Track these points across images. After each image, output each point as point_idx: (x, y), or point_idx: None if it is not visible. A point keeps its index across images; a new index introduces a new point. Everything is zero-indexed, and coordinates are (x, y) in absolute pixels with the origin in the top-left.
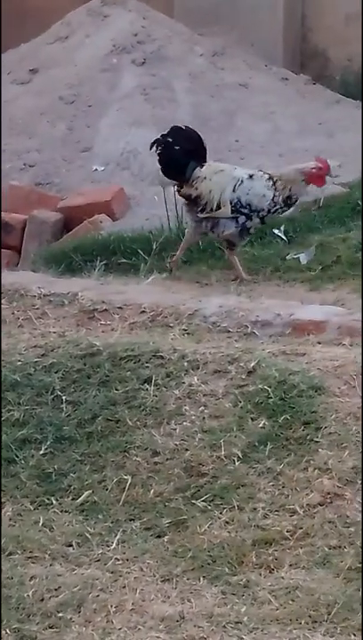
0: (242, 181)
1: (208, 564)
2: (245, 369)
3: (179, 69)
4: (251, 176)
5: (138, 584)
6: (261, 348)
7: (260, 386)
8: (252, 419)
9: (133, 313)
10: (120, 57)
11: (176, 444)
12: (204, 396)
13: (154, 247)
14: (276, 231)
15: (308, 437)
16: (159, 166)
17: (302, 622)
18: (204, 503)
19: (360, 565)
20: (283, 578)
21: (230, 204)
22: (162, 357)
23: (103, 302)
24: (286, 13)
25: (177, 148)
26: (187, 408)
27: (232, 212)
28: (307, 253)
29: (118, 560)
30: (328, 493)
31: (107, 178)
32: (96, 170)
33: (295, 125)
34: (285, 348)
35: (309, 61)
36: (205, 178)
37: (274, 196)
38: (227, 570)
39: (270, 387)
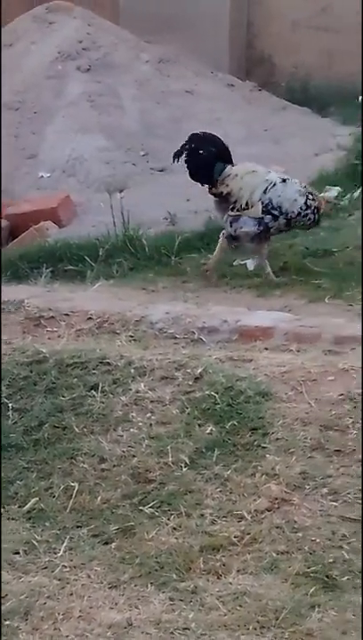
0: (275, 184)
1: (156, 570)
2: (192, 375)
3: (125, 76)
4: (284, 180)
5: (85, 591)
6: (208, 355)
7: (207, 392)
8: (199, 425)
9: (79, 320)
10: (66, 64)
11: (123, 451)
12: (151, 402)
13: (100, 254)
14: None
15: (255, 443)
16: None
17: (250, 628)
18: (151, 509)
19: (308, 570)
20: (231, 583)
21: (262, 204)
22: (109, 364)
23: (50, 309)
24: (232, 21)
25: (201, 152)
26: (134, 415)
27: (263, 212)
28: (254, 260)
29: (66, 567)
30: (276, 499)
31: (53, 185)
32: (42, 177)
33: (242, 131)
34: (232, 354)
35: (255, 68)
36: (236, 176)
37: (306, 201)
38: (175, 576)
39: (217, 393)
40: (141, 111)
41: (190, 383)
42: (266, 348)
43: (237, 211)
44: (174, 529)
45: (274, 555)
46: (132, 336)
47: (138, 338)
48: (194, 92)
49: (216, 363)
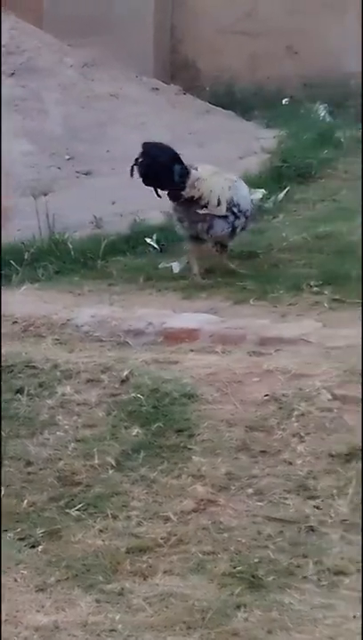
0: (233, 182)
1: (82, 572)
2: (118, 378)
3: (49, 80)
4: (237, 178)
5: (12, 594)
6: (133, 357)
7: (133, 394)
8: (125, 427)
9: (5, 323)
10: None
11: (50, 454)
12: (77, 405)
13: (26, 257)
14: (148, 240)
15: (181, 445)
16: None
17: (177, 629)
18: (78, 512)
19: (234, 570)
20: (157, 585)
21: (226, 202)
22: (35, 367)
23: None
24: (156, 24)
25: (157, 157)
26: (60, 418)
27: (226, 209)
28: (179, 262)
29: None
30: (202, 500)
31: None
32: None
33: (167, 135)
34: (157, 356)
35: (179, 72)
36: (205, 179)
37: (252, 199)
38: (101, 578)
39: (143, 395)
40: (66, 115)
41: (116, 386)
42: (191, 350)
43: (207, 210)
44: (101, 531)
45: (200, 555)
46: (57, 339)
47: (64, 341)
48: (118, 96)
49: (142, 365)
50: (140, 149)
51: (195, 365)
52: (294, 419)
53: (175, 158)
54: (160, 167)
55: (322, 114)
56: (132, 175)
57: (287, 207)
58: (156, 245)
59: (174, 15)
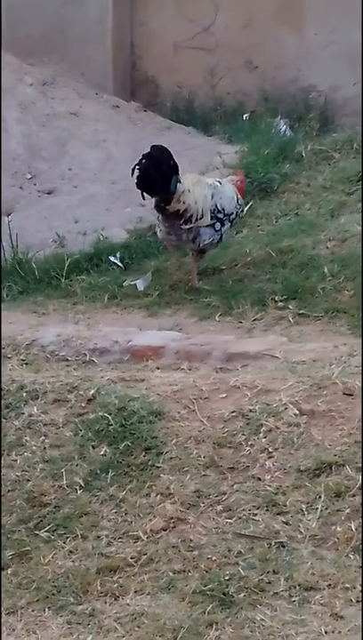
0: (216, 187)
1: (53, 594)
2: (84, 397)
3: (9, 99)
4: (219, 182)
5: None
6: (100, 376)
7: (100, 413)
8: (93, 447)
9: None
10: None
11: (18, 475)
12: (44, 425)
13: None
14: (112, 258)
15: (149, 463)
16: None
17: None
18: (47, 533)
19: (205, 588)
20: (128, 605)
21: (210, 211)
22: (0, 389)
23: None
24: (115, 42)
25: (157, 165)
26: (27, 438)
27: (211, 218)
28: (143, 279)
29: None
30: (171, 518)
31: None
32: None
33: (128, 152)
34: (124, 374)
35: (139, 89)
36: (189, 191)
37: (237, 198)
38: (72, 599)
39: (110, 414)
40: (26, 134)
41: (83, 405)
42: (158, 368)
43: (192, 224)
44: (71, 552)
45: (171, 574)
46: (23, 360)
47: (29, 361)
48: (79, 114)
49: (108, 384)
50: (101, 167)
51: (161, 383)
52: (261, 434)
53: (174, 167)
54: (158, 176)
55: (283, 128)
56: (132, 175)
57: (250, 222)
58: (119, 263)
59: (133, 32)
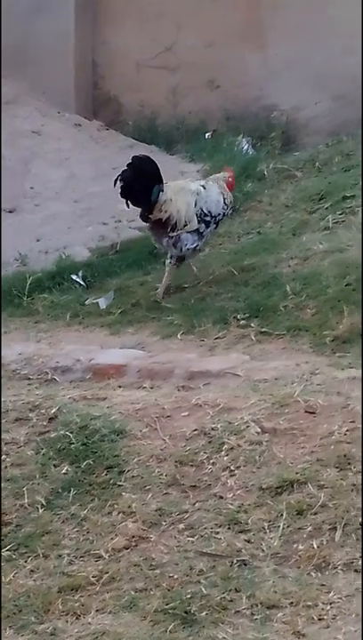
0: (199, 193)
1: (14, 613)
2: (46, 416)
3: None
4: (204, 186)
5: None
6: (62, 394)
7: (62, 432)
8: (55, 465)
9: None
10: None
11: None
12: (5, 444)
13: None
14: (74, 277)
15: (111, 481)
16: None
17: None
18: (8, 552)
19: (167, 607)
20: (90, 623)
21: (196, 216)
22: None
23: None
24: (77, 61)
25: (139, 175)
26: None
27: (198, 222)
28: (106, 298)
29: None
30: (133, 537)
31: None
32: None
33: (90, 171)
34: (86, 392)
35: (102, 107)
36: (171, 200)
37: (224, 199)
38: (33, 618)
39: (71, 432)
40: None
41: (45, 424)
42: (120, 386)
43: (178, 231)
44: (32, 571)
45: (132, 593)
46: None
47: None
48: (41, 133)
49: (70, 402)
50: (64, 186)
51: (123, 401)
52: (223, 452)
53: (156, 177)
54: (139, 186)
55: (245, 147)
56: (115, 186)
57: (213, 240)
58: (82, 282)
59: (96, 51)
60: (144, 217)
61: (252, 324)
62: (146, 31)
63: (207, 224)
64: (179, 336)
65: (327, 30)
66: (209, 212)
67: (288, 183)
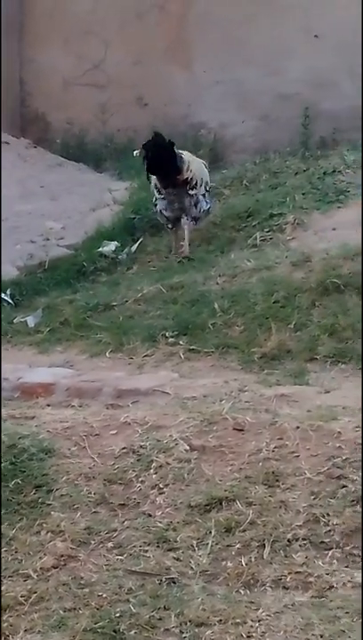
0: (204, 164)
1: None
2: None
3: None
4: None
5: None
6: None
7: None
8: None
9: None
10: None
11: None
12: None
13: None
14: (2, 295)
15: (40, 501)
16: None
17: None
18: None
19: (96, 626)
20: None
21: (205, 183)
22: None
23: None
24: (4, 79)
25: (164, 149)
26: None
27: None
28: (34, 316)
29: None
30: (62, 556)
31: None
32: None
33: (17, 189)
34: (14, 411)
35: (29, 125)
36: (190, 162)
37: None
38: None
39: None
40: None
41: None
42: (48, 405)
43: (196, 189)
44: None
45: (61, 612)
46: None
47: None
48: None
49: None
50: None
51: (52, 420)
52: (152, 470)
53: (173, 145)
54: (167, 155)
55: None
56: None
57: (141, 258)
58: (10, 300)
59: (22, 69)
60: (169, 181)
61: (180, 342)
62: (73, 49)
63: (208, 192)
64: (107, 354)
65: (253, 49)
66: (207, 180)
67: (216, 201)
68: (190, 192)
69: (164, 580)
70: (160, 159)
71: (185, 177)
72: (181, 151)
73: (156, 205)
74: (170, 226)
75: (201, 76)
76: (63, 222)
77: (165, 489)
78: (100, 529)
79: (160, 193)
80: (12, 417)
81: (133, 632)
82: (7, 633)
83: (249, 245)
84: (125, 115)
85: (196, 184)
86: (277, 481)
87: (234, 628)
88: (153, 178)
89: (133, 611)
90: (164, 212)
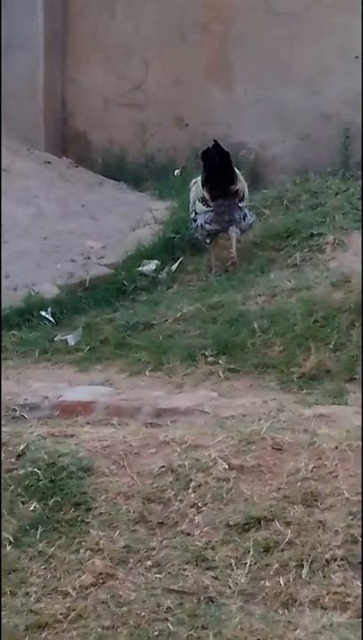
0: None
1: None
2: (14, 453)
3: None
4: None
5: None
6: (29, 432)
7: (29, 469)
8: (22, 502)
9: None
10: None
11: None
12: None
13: None
14: (43, 313)
15: (79, 519)
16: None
17: None
18: None
19: None
20: None
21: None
22: None
23: None
24: (46, 98)
25: (225, 158)
26: None
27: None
28: (74, 335)
29: None
30: (100, 574)
31: None
32: None
33: (58, 208)
34: (53, 430)
35: (71, 145)
36: (238, 174)
37: None
38: None
39: (39, 469)
40: None
41: (13, 461)
42: (87, 423)
43: (244, 201)
44: None
45: (100, 630)
46: None
47: None
48: (10, 170)
49: (38, 439)
50: (32, 223)
51: (91, 438)
52: (190, 489)
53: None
54: (225, 163)
55: None
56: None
57: (181, 278)
58: (51, 318)
59: (65, 88)
60: (221, 193)
61: (220, 361)
62: (114, 69)
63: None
64: (147, 373)
65: (293, 69)
66: (248, 197)
67: (256, 220)
68: (239, 204)
69: (202, 599)
70: (220, 167)
71: (237, 188)
72: None
73: (195, 221)
74: (208, 241)
75: (241, 96)
76: (103, 241)
77: (203, 508)
78: (138, 547)
79: (208, 205)
80: (51, 435)
81: None
82: None
83: (289, 265)
84: (165, 135)
85: (243, 196)
86: (315, 501)
87: None
88: (199, 190)
89: (172, 629)
90: (207, 225)
